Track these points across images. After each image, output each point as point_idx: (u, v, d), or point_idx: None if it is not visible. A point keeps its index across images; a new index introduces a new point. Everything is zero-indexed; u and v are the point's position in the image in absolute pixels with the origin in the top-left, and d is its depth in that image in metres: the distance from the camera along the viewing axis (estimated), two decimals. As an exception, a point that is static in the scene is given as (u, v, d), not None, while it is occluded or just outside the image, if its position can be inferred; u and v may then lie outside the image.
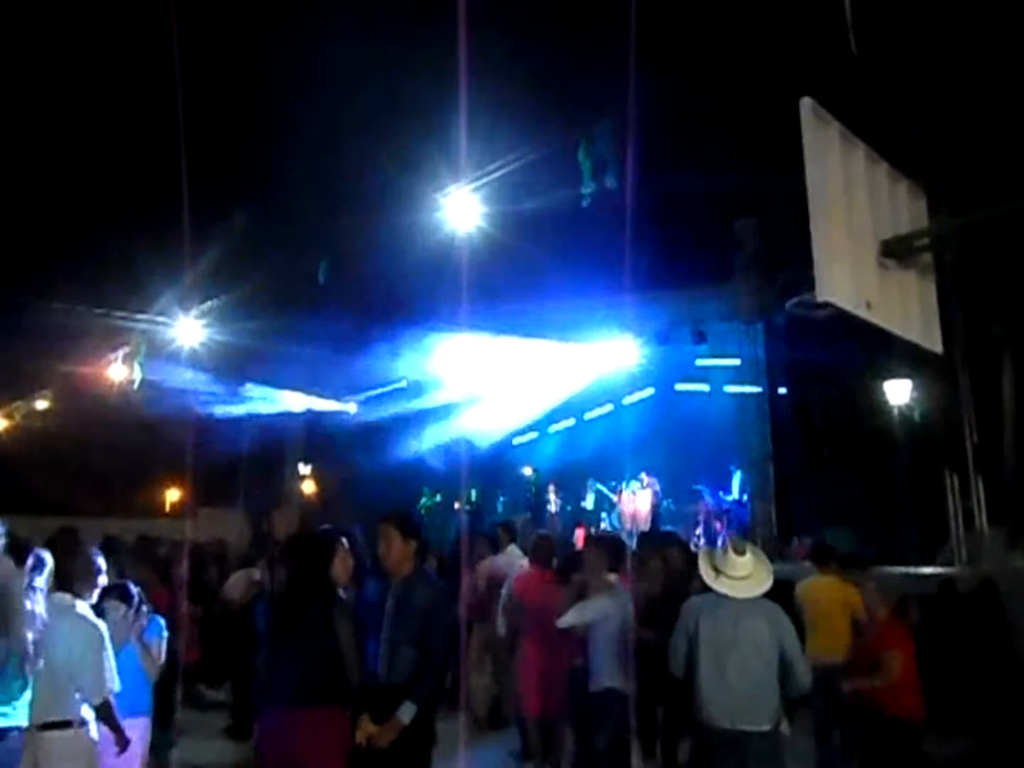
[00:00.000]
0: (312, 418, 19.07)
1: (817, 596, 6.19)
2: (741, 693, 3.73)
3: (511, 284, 12.80)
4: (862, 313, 5.49)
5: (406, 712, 3.60)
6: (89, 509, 14.97)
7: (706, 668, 3.81)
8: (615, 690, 4.71)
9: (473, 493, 16.49)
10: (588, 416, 17.36)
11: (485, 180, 10.50)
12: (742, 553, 3.94)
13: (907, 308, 6.23)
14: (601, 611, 4.83)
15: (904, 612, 5.12)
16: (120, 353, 15.57)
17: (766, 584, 3.92)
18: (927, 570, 8.83)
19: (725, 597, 3.87)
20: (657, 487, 14.54)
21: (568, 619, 4.92)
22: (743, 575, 3.89)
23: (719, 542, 4.31)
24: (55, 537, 4.13)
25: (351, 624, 3.70)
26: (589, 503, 15.73)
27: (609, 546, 5.31)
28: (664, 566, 6.20)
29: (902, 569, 8.79)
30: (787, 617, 3.95)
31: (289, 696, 3.60)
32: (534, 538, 6.41)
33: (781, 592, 6.22)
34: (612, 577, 4.96)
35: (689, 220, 11.91)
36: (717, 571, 3.94)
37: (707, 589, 3.97)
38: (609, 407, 17.26)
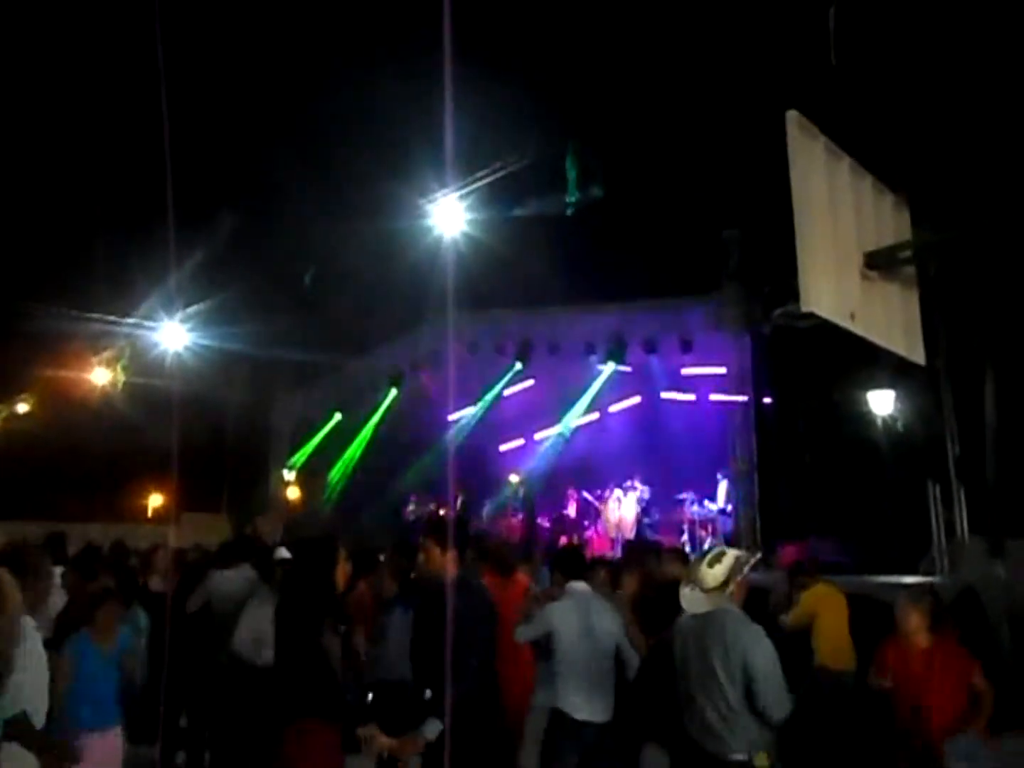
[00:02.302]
0: (300, 424, 18.99)
1: (820, 604, 6.20)
2: (708, 722, 3.44)
3: (497, 290, 12.83)
4: (846, 324, 5.54)
5: (431, 728, 3.41)
6: (72, 514, 14.82)
7: (682, 692, 3.56)
8: (558, 711, 4.28)
9: (459, 500, 16.44)
10: (574, 424, 17.37)
11: (472, 187, 10.54)
12: (713, 564, 3.61)
13: (890, 319, 6.29)
14: (542, 625, 4.41)
15: (944, 626, 4.62)
16: (103, 357, 15.47)
17: (716, 600, 3.54)
18: (909, 579, 8.88)
19: (693, 615, 3.59)
20: (646, 495, 14.57)
21: (518, 633, 4.56)
22: (709, 587, 3.56)
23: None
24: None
25: (339, 637, 3.66)
26: (572, 511, 15.75)
27: (569, 556, 4.95)
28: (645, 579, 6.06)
29: (884, 578, 8.84)
30: (760, 634, 3.51)
31: (280, 709, 3.53)
32: (493, 544, 6.20)
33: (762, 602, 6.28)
34: (578, 586, 4.53)
35: (676, 230, 11.98)
36: (692, 583, 3.64)
37: None
38: (595, 415, 17.29)
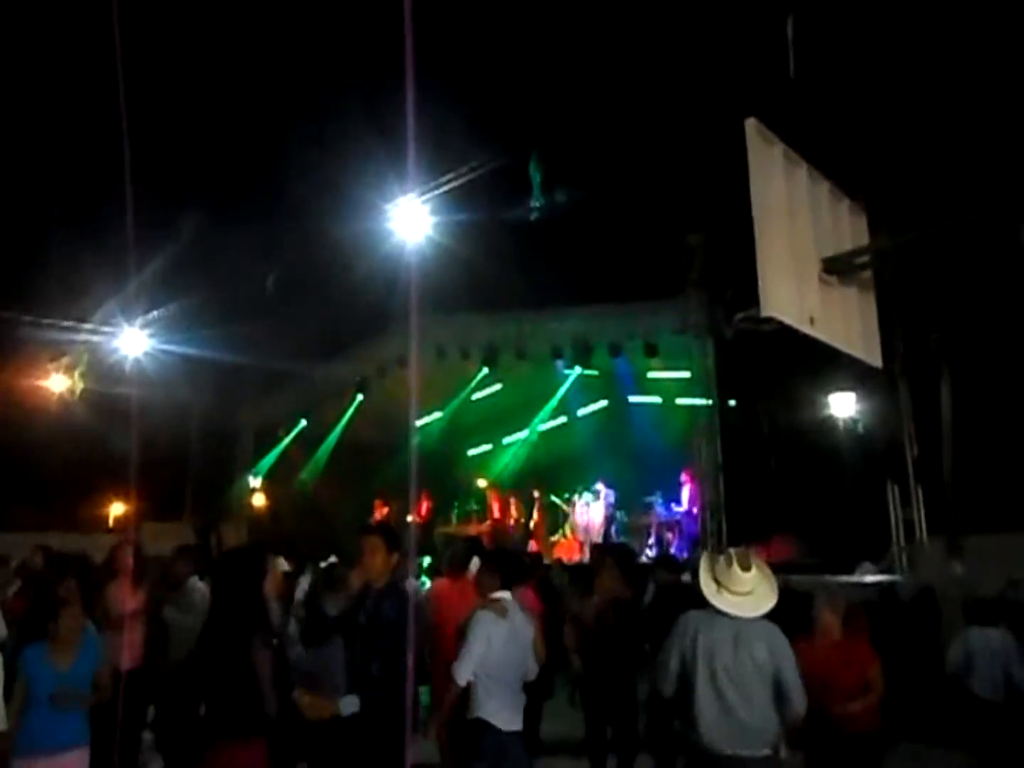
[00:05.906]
0: (265, 430, 18.76)
1: None
2: (741, 718, 3.50)
3: (463, 295, 12.82)
4: (805, 328, 5.62)
5: (348, 703, 3.44)
6: (28, 523, 14.43)
7: (703, 691, 3.54)
8: (479, 720, 4.13)
9: (425, 506, 16.37)
10: (542, 428, 17.40)
11: (437, 192, 10.53)
12: (748, 568, 3.65)
13: (848, 323, 6.40)
14: (478, 646, 4.16)
15: (858, 623, 5.00)
16: (61, 363, 15.13)
17: (770, 602, 3.64)
18: (869, 578, 9.03)
19: (725, 614, 3.60)
20: (611, 498, 14.63)
21: (462, 672, 4.14)
22: (745, 591, 3.63)
23: (721, 552, 3.85)
24: None
25: (270, 653, 3.55)
26: (536, 516, 15.80)
27: (502, 561, 4.71)
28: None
29: (845, 577, 8.98)
30: (786, 640, 3.66)
31: (205, 727, 3.45)
32: (453, 546, 6.16)
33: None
34: (503, 595, 4.39)
35: (640, 235, 12.08)
36: (719, 584, 3.66)
37: (702, 602, 3.67)
38: (563, 419, 17.33)
